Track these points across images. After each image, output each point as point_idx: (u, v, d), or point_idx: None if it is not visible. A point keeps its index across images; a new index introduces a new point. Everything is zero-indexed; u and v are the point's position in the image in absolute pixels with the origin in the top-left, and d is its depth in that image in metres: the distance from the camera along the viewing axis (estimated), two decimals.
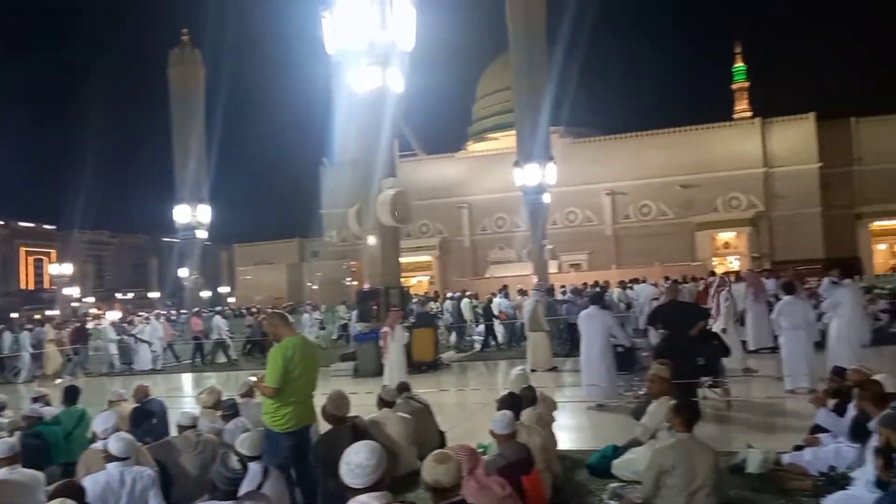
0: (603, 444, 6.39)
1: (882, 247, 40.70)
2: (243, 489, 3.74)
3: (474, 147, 49.65)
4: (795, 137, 39.14)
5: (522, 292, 17.96)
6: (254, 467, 4.13)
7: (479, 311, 18.53)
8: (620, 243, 41.29)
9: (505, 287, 19.30)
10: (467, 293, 20.31)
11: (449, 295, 22.05)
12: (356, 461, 2.75)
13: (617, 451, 5.94)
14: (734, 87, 65.06)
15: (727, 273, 19.70)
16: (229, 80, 50.44)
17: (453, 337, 18.69)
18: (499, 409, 4.70)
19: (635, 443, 6.04)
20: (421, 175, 42.76)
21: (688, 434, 4.51)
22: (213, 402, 6.51)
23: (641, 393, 8.53)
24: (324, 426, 5.58)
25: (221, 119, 31.52)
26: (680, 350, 7.65)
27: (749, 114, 52.60)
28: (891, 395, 4.82)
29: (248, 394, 7.07)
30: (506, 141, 42.19)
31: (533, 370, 11.94)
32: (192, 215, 24.80)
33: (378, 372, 12.58)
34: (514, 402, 5.33)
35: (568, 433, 7.61)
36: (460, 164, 44.99)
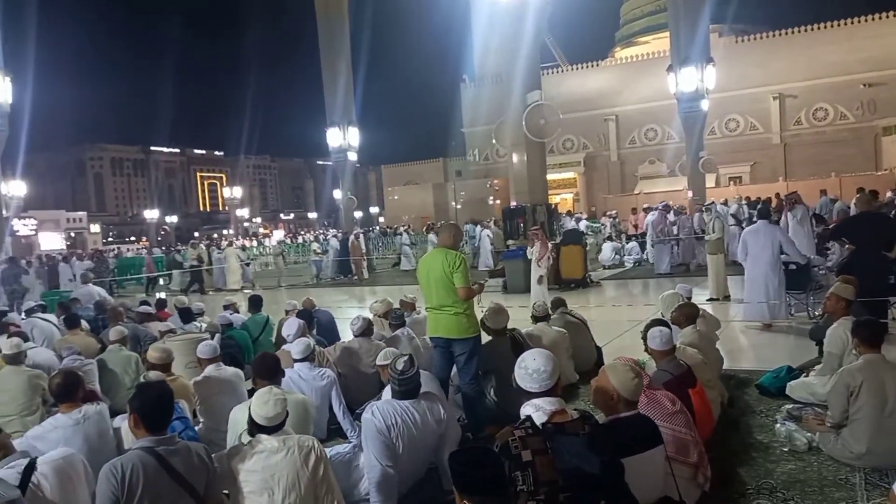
0: (768, 365, 6.06)
1: None
2: None
3: (622, 53, 46.48)
4: None
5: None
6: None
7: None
8: (789, 153, 37.53)
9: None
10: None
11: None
12: (533, 366, 2.79)
13: (791, 373, 5.61)
14: None
15: None
16: None
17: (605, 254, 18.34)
18: (648, 328, 4.51)
19: (811, 364, 5.66)
20: (564, 87, 41.11)
21: (877, 354, 4.11)
22: (384, 312, 6.97)
23: (817, 314, 7.94)
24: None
25: (366, 40, 31.91)
26: (868, 266, 6.91)
27: None
28: None
29: (411, 307, 7.53)
30: (657, 44, 39.20)
31: (713, 299, 10.49)
32: (343, 138, 25.71)
33: (527, 288, 12.71)
34: (664, 323, 5.12)
35: (732, 353, 7.28)
36: (606, 72, 42.55)
